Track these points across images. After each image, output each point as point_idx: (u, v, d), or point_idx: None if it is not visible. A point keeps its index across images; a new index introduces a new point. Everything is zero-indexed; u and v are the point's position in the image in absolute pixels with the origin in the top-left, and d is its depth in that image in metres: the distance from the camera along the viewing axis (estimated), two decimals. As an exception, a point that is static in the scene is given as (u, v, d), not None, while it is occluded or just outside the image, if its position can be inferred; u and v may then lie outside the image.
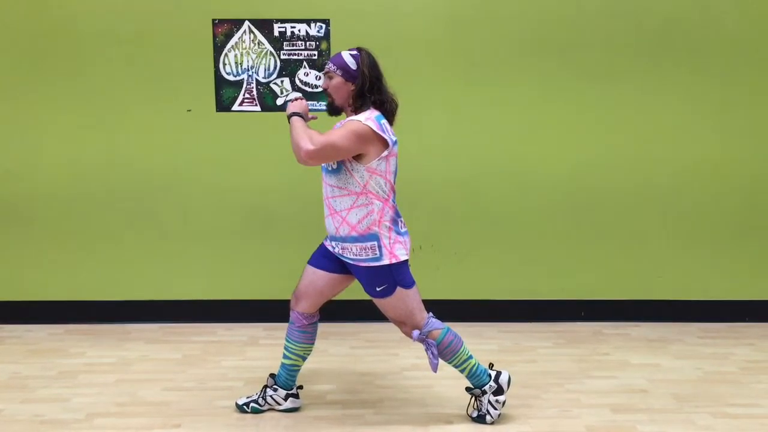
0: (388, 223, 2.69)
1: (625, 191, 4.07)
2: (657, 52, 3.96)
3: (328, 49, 3.92)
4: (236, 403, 2.95)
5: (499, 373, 2.82)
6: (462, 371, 2.81)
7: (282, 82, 3.95)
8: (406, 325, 2.78)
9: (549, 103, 4.00)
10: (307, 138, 2.57)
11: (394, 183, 2.74)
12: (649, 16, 3.93)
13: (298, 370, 2.93)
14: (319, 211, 2.88)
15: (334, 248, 2.78)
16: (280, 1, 3.90)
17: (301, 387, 3.01)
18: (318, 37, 3.92)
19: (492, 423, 2.81)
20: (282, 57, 3.94)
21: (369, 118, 2.61)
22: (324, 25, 3.91)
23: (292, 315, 2.88)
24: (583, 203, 4.08)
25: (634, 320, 4.16)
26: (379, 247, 2.66)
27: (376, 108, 2.68)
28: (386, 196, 2.69)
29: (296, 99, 2.81)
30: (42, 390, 3.15)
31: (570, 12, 3.93)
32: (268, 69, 3.94)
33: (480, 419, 2.82)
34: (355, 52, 2.71)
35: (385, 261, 2.67)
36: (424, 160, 4.02)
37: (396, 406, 2.99)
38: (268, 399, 2.93)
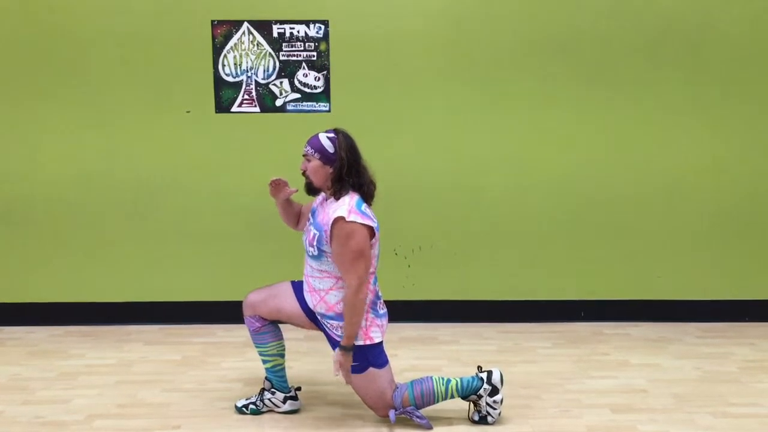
0: (366, 306, 2.70)
1: (624, 191, 4.07)
2: (657, 53, 3.96)
3: (327, 49, 3.92)
4: (235, 405, 2.95)
5: (490, 374, 2.81)
6: (453, 397, 2.80)
7: (281, 83, 3.95)
8: (379, 409, 2.78)
9: (549, 104, 4.00)
10: (360, 312, 2.61)
11: (376, 266, 2.76)
12: (648, 17, 3.93)
13: (283, 368, 2.92)
14: (318, 211, 2.88)
15: (318, 316, 2.80)
16: (279, 2, 3.90)
17: (299, 388, 3.01)
18: (317, 38, 3.92)
19: (493, 423, 2.81)
20: (281, 58, 3.94)
21: (351, 210, 2.60)
22: (323, 26, 3.91)
23: (246, 321, 2.88)
24: (583, 203, 4.08)
25: (634, 320, 4.16)
26: None
27: (355, 191, 2.68)
28: (366, 280, 2.69)
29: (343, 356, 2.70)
30: (42, 391, 3.15)
31: (570, 12, 3.92)
32: (267, 70, 3.94)
33: (482, 420, 2.82)
34: (332, 135, 2.70)
35: (359, 342, 2.69)
36: (423, 161, 4.02)
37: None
38: (266, 402, 2.93)
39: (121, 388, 3.18)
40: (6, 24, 3.86)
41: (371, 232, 2.65)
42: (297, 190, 2.88)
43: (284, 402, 2.93)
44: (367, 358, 2.72)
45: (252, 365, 3.45)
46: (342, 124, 3.87)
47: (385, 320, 2.79)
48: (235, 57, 3.93)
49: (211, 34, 3.91)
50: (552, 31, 3.94)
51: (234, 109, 3.97)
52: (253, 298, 2.86)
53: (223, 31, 3.91)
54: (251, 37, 3.91)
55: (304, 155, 2.73)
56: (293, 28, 3.92)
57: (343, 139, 2.69)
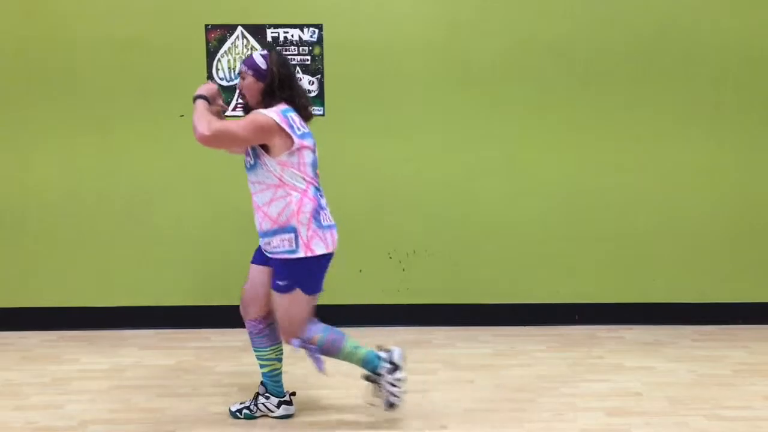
0: (307, 215, 2.67)
1: (619, 195, 4.08)
2: (651, 58, 3.97)
3: (322, 54, 3.92)
4: (229, 410, 2.94)
5: (390, 352, 2.82)
6: (352, 363, 2.81)
7: (275, 87, 3.95)
8: (287, 334, 2.77)
9: (545, 108, 4.01)
10: (206, 122, 2.57)
11: (315, 175, 2.75)
12: (642, 24, 3.94)
13: (280, 372, 2.92)
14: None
15: (264, 246, 2.80)
16: (273, 6, 3.90)
17: (293, 393, 3.00)
18: (311, 42, 3.93)
19: (398, 405, 2.80)
20: (275, 62, 3.93)
21: (273, 110, 2.64)
22: (317, 30, 3.92)
23: (247, 325, 2.88)
24: (578, 207, 4.09)
25: (628, 323, 4.17)
26: (296, 239, 2.67)
27: (287, 104, 2.70)
28: (304, 188, 2.68)
29: (207, 83, 2.82)
30: (35, 397, 3.14)
31: (565, 18, 3.93)
32: (262, 74, 3.94)
33: (390, 407, 2.81)
34: (265, 53, 2.75)
35: (300, 254, 2.67)
36: (419, 164, 4.03)
37: (391, 411, 2.98)
38: (260, 406, 2.92)
39: (115, 393, 3.17)
40: (-1, 28, 3.86)
41: (289, 137, 2.62)
42: (226, 108, 2.90)
43: (278, 407, 2.92)
44: (298, 276, 2.68)
45: (246, 370, 3.44)
46: (336, 127, 3.89)
47: (330, 233, 2.73)
48: (229, 61, 3.93)
49: (204, 39, 3.91)
50: (547, 37, 3.95)
51: (228, 113, 3.96)
52: (248, 301, 2.87)
53: (217, 36, 3.91)
54: (245, 41, 3.92)
55: (238, 73, 2.77)
56: (287, 32, 3.92)
57: (275, 55, 2.73)
